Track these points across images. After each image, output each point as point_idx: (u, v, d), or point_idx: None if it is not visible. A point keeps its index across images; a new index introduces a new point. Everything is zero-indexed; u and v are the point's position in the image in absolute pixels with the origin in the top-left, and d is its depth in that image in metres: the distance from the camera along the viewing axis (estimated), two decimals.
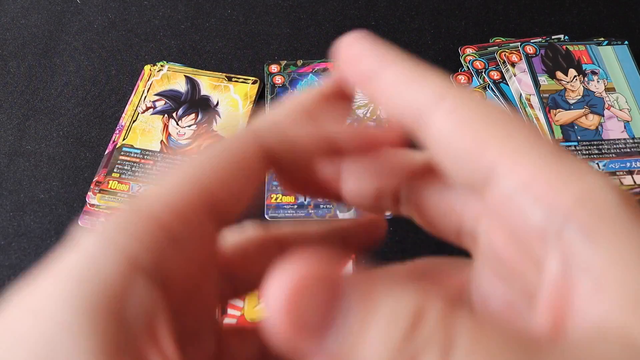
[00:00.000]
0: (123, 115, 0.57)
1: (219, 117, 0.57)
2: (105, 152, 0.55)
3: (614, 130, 0.54)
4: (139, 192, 0.16)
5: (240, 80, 0.60)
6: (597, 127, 0.54)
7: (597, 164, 0.51)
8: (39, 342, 0.13)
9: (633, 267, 0.13)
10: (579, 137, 0.53)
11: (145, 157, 0.54)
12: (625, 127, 0.54)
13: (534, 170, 0.15)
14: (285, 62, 0.62)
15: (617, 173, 0.51)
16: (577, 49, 0.59)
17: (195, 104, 0.58)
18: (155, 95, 0.59)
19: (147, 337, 0.14)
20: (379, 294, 0.13)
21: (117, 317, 0.14)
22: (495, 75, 0.58)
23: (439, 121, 0.16)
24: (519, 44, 0.59)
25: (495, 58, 0.59)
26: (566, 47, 0.59)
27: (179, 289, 0.16)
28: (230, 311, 0.46)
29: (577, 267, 0.14)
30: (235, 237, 0.20)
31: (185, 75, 0.60)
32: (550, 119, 0.54)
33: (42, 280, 0.14)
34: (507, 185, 0.15)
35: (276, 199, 0.52)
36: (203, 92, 0.59)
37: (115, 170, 0.53)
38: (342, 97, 0.20)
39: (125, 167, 0.54)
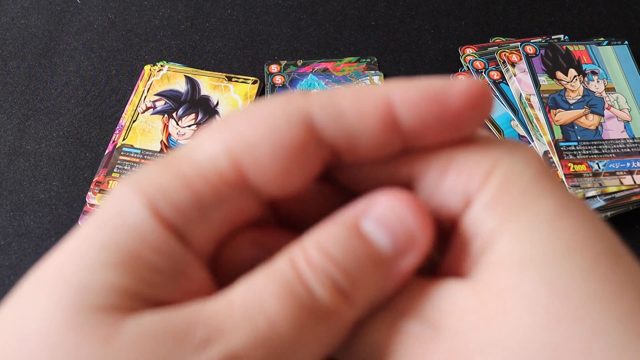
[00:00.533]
0: (123, 115, 0.57)
1: (219, 117, 0.57)
2: (105, 152, 0.55)
3: (614, 130, 0.54)
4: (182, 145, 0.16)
5: (240, 80, 0.60)
6: (597, 127, 0.54)
7: (597, 163, 0.51)
8: (74, 275, 0.14)
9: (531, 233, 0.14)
10: (579, 137, 0.53)
11: (145, 157, 0.54)
12: (625, 127, 0.54)
13: (450, 157, 0.15)
14: (285, 62, 0.62)
15: (617, 173, 0.51)
16: (577, 49, 0.59)
17: (195, 104, 0.58)
18: (155, 95, 0.59)
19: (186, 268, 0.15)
20: None
21: (142, 260, 0.14)
22: (495, 75, 0.58)
23: None
24: (519, 44, 0.59)
25: (495, 58, 0.59)
26: (566, 47, 0.59)
27: (207, 252, 0.16)
28: None
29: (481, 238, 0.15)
30: None
31: (185, 75, 0.60)
32: (550, 119, 0.54)
33: (83, 226, 0.15)
34: (427, 180, 0.16)
35: None
36: (203, 92, 0.59)
37: (115, 170, 0.53)
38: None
39: (125, 167, 0.54)
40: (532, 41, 0.60)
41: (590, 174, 0.50)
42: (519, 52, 0.58)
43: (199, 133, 0.16)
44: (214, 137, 0.15)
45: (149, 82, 0.60)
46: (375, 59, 0.62)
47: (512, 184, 0.15)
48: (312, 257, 0.14)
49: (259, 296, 0.14)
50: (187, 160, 0.15)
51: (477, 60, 0.59)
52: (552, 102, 0.55)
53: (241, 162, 0.15)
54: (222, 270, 0.16)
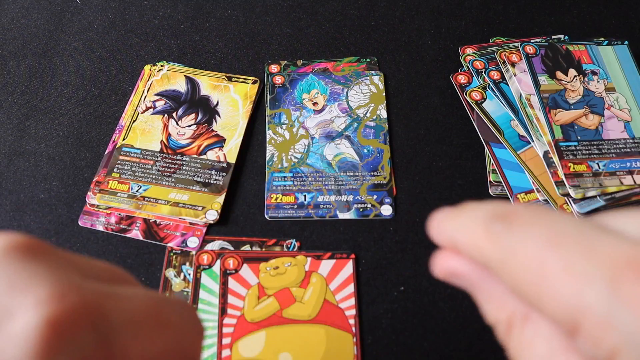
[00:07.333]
0: (123, 115, 0.57)
1: (219, 116, 0.57)
2: (105, 152, 0.55)
3: (614, 130, 0.54)
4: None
5: (240, 80, 0.60)
6: (597, 127, 0.54)
7: (597, 163, 0.51)
8: None
9: None
10: (579, 137, 0.53)
11: (145, 157, 0.54)
12: (625, 127, 0.54)
13: None
14: (285, 62, 0.62)
15: (617, 173, 0.51)
16: (577, 49, 0.59)
17: (195, 103, 0.58)
18: (155, 95, 0.59)
19: None
20: None
21: None
22: (495, 75, 0.58)
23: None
24: (519, 43, 0.59)
25: (495, 58, 0.59)
26: (566, 47, 0.59)
27: None
28: (230, 311, 0.46)
29: None
30: None
31: (185, 75, 0.60)
32: (550, 119, 0.54)
33: None
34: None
35: (276, 199, 0.52)
36: (203, 92, 0.59)
37: (115, 170, 0.53)
38: None
39: (125, 167, 0.54)
40: (532, 41, 0.60)
41: (591, 174, 0.50)
42: (519, 52, 0.58)
43: None
44: None
45: (149, 82, 0.60)
46: (375, 59, 0.62)
47: None
48: None
49: None
50: None
51: (477, 60, 0.59)
52: (552, 102, 0.55)
53: None
54: None
